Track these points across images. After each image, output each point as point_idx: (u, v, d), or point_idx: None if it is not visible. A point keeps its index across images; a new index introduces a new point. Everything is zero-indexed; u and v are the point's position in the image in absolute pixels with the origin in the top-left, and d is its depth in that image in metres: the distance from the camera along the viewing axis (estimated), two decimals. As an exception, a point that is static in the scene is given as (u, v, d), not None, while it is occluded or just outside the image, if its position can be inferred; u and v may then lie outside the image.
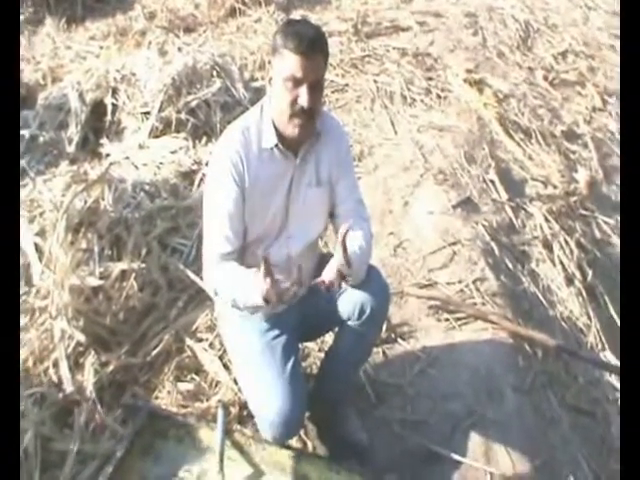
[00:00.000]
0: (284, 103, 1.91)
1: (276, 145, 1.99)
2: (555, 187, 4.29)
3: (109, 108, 3.95)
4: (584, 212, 4.29)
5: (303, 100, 1.88)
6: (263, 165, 2.01)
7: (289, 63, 1.87)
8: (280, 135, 1.98)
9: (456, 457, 2.44)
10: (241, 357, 2.18)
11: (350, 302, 2.13)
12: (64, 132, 3.85)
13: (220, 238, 2.02)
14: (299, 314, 2.21)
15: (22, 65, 4.80)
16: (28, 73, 4.74)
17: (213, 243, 2.04)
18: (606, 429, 3.01)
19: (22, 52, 5.03)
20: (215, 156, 2.06)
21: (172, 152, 3.58)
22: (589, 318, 3.51)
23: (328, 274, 1.95)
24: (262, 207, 2.04)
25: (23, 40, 5.42)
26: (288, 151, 2.02)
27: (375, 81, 4.84)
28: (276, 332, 2.16)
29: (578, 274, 3.71)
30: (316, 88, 1.91)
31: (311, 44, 1.86)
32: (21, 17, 5.75)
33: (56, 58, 4.92)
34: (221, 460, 2.15)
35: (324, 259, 2.17)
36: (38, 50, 5.28)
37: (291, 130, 1.95)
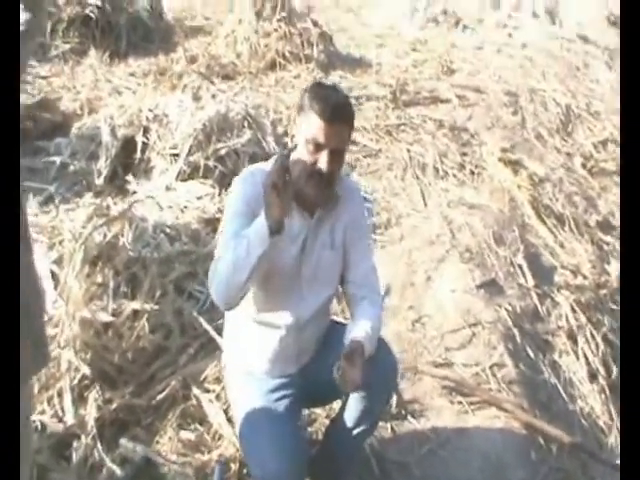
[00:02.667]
0: (304, 164, 2.01)
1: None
2: (585, 277, 4.37)
3: (139, 146, 4.12)
4: (613, 306, 4.36)
5: (323, 165, 1.98)
6: None
7: (313, 127, 1.98)
8: (297, 193, 2.03)
9: None
10: (242, 415, 2.22)
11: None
12: (94, 164, 4.02)
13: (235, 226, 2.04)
14: (304, 380, 2.26)
15: (62, 93, 5.05)
16: (67, 102, 4.98)
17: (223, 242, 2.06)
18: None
19: (64, 81, 5.30)
20: (234, 189, 2.14)
21: (197, 197, 3.72)
22: (611, 417, 3.55)
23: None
24: (272, 265, 2.06)
25: (66, 69, 5.70)
26: (304, 210, 2.11)
27: (409, 150, 5.00)
28: (279, 394, 2.22)
29: (602, 370, 3.76)
30: (337, 155, 2.01)
31: (337, 112, 1.98)
32: (67, 46, 6.05)
33: (95, 90, 5.16)
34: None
35: (334, 326, 2.27)
36: (79, 80, 5.54)
37: (308, 191, 2.03)
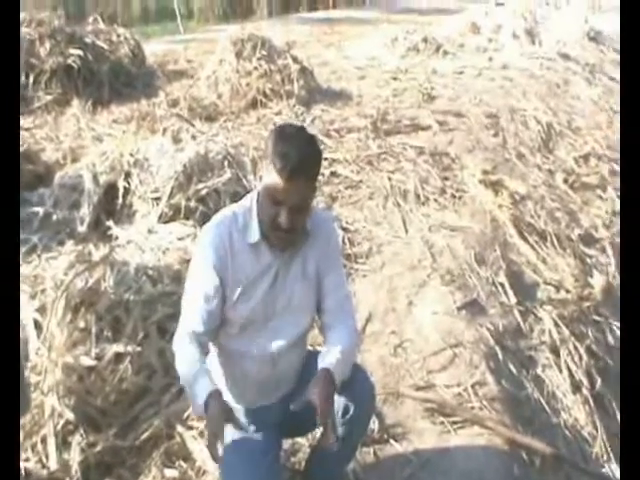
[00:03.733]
0: (266, 214, 2.05)
1: (260, 241, 2.11)
2: (568, 291, 4.42)
3: (121, 191, 4.20)
4: (597, 318, 4.39)
5: (282, 221, 2.00)
6: (248, 256, 2.13)
7: (272, 182, 1.99)
8: (265, 236, 2.10)
9: None
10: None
11: (334, 402, 2.17)
12: (77, 212, 4.10)
13: (195, 317, 2.12)
14: (282, 411, 2.29)
15: (45, 144, 5.16)
16: (50, 152, 5.09)
17: (187, 320, 2.14)
18: None
19: (47, 131, 5.41)
20: (201, 240, 2.19)
21: (179, 238, 3.79)
22: (595, 428, 3.57)
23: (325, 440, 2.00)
24: (246, 297, 2.14)
25: (49, 119, 5.81)
26: (274, 247, 2.14)
27: (390, 178, 5.09)
28: (257, 426, 2.29)
29: (586, 381, 3.79)
30: (297, 210, 2.02)
31: (295, 170, 1.95)
32: (49, 97, 6.17)
33: (78, 139, 5.28)
34: None
35: (313, 356, 2.29)
36: (62, 130, 5.66)
37: (273, 239, 2.09)
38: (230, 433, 2.26)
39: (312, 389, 2.02)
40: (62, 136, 5.47)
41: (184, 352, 2.12)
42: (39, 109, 6.05)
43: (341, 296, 2.29)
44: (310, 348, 2.50)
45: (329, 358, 2.13)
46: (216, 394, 1.97)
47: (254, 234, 2.11)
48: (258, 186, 2.10)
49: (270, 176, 1.99)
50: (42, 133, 5.52)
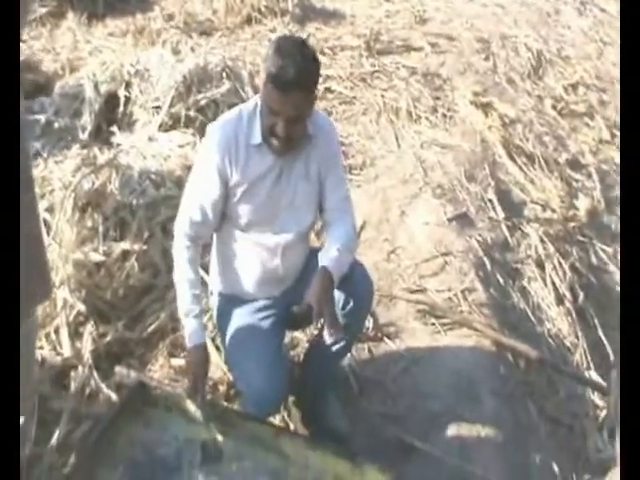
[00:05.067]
0: (265, 122, 2.09)
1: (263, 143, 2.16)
2: (554, 211, 4.50)
3: (122, 100, 4.19)
4: (582, 238, 4.49)
5: (279, 132, 2.04)
6: (251, 157, 2.17)
7: (269, 94, 2.01)
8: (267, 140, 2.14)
9: (432, 451, 2.62)
10: (228, 335, 2.36)
11: (333, 298, 2.25)
12: (78, 120, 4.09)
13: (188, 221, 2.23)
14: (288, 303, 2.37)
15: (42, 55, 5.09)
16: (47, 63, 5.02)
17: (182, 222, 2.26)
18: (583, 443, 3.19)
19: (43, 43, 5.32)
20: (206, 139, 2.23)
21: (179, 146, 3.81)
22: (577, 337, 3.69)
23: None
24: (250, 196, 2.21)
25: (45, 32, 5.71)
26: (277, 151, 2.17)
27: (382, 96, 5.08)
28: (263, 314, 2.37)
29: (569, 295, 3.90)
30: (294, 121, 2.04)
31: (291, 83, 1.95)
32: (44, 10, 6.03)
33: (75, 51, 5.19)
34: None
35: (313, 253, 2.36)
36: (59, 42, 5.55)
37: (273, 144, 2.12)
38: (236, 320, 2.36)
39: (310, 289, 2.11)
40: (59, 48, 5.37)
41: (179, 265, 2.26)
42: (34, 21, 5.91)
43: (341, 196, 2.35)
44: (313, 246, 2.58)
45: (327, 256, 2.20)
46: (202, 347, 2.20)
47: (257, 136, 2.15)
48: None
49: (267, 87, 2.00)
50: (39, 45, 5.43)
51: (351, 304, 2.33)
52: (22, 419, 2.05)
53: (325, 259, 2.19)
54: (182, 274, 2.25)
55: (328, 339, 2.08)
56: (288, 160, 2.21)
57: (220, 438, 2.34)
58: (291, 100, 1.99)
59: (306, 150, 2.23)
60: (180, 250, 2.27)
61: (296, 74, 1.96)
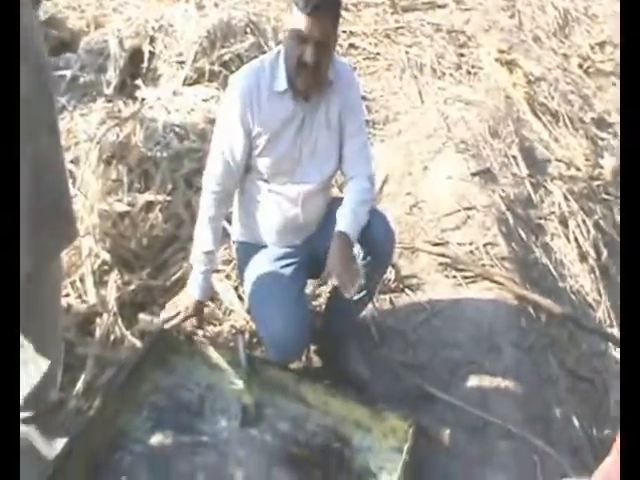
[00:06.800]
0: (291, 57, 2.07)
1: (287, 89, 2.15)
2: (578, 169, 4.41)
3: (146, 55, 4.15)
4: (606, 196, 4.40)
5: (307, 57, 2.02)
6: (274, 106, 2.16)
7: (296, 21, 2.01)
8: (291, 83, 2.14)
9: (452, 400, 2.60)
10: (250, 283, 2.36)
11: (354, 260, 2.26)
12: (103, 75, 4.06)
13: (212, 175, 2.25)
14: (310, 250, 2.39)
15: (67, 12, 5.04)
16: (73, 20, 4.97)
17: (207, 177, 2.28)
18: (604, 397, 3.15)
19: (68, 1, 5.27)
20: (229, 90, 2.22)
21: (203, 100, 3.77)
22: (599, 294, 3.64)
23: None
24: (273, 145, 2.20)
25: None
26: (299, 96, 2.17)
27: (407, 52, 4.98)
28: (286, 262, 2.35)
29: (593, 252, 3.84)
30: (322, 46, 2.03)
31: (317, 5, 1.97)
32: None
33: (100, 8, 5.13)
34: (248, 380, 2.36)
35: (335, 202, 2.35)
36: (83, 0, 5.50)
37: (298, 82, 2.11)
38: (258, 268, 2.34)
39: (329, 258, 2.12)
40: (84, 5, 5.30)
41: (200, 220, 2.30)
42: (59, -22, 5.86)
43: (359, 143, 2.33)
44: (335, 196, 2.54)
45: (344, 218, 2.20)
46: (200, 307, 2.35)
47: (281, 82, 2.14)
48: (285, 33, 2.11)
49: (294, 17, 2.01)
50: (64, 2, 5.36)
51: (372, 255, 2.31)
52: (48, 364, 2.06)
53: (342, 222, 2.19)
54: (200, 230, 2.30)
55: (347, 295, 2.10)
56: (310, 108, 2.20)
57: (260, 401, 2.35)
58: (318, 23, 1.99)
59: (327, 97, 2.22)
60: (203, 207, 2.29)
61: None
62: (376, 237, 2.30)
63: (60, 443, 2.11)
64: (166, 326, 2.35)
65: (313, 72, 2.07)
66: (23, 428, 2.07)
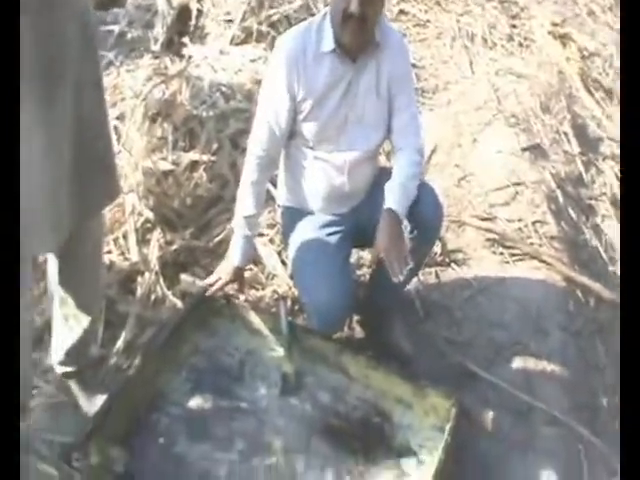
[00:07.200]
0: (337, 12, 2.00)
1: (334, 49, 2.07)
2: (633, 150, 4.25)
3: (194, 13, 4.06)
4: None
5: (353, 7, 1.95)
6: (320, 68, 2.09)
7: None
8: (338, 41, 2.06)
9: (496, 381, 2.53)
10: (294, 249, 2.31)
11: (403, 238, 2.19)
12: (150, 32, 3.98)
13: (257, 140, 2.19)
14: (356, 219, 2.33)
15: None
16: (120, -22, 4.91)
17: (252, 141, 2.22)
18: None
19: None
20: (275, 52, 2.16)
21: (251, 60, 3.68)
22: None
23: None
24: (318, 110, 2.13)
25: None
26: (345, 56, 2.09)
27: (458, 21, 4.82)
28: (331, 230, 2.29)
29: (645, 236, 3.70)
30: None
31: None
32: None
33: (149, -36, 5.05)
34: (289, 347, 2.30)
35: (383, 172, 2.29)
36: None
37: (345, 37, 2.03)
38: (302, 235, 2.28)
39: (378, 236, 2.07)
40: (131, -38, 5.26)
41: (243, 183, 2.25)
42: None
43: (409, 114, 2.25)
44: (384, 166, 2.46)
45: (392, 195, 2.12)
46: (240, 272, 2.33)
47: (328, 42, 2.07)
48: None
49: None
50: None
51: (419, 229, 2.24)
52: (89, 320, 2.04)
53: (390, 198, 2.12)
54: (242, 193, 2.27)
55: (395, 279, 2.05)
56: (357, 70, 2.13)
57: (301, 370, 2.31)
58: None
59: (376, 60, 2.14)
60: (247, 171, 2.24)
61: None
62: (425, 212, 2.23)
63: (100, 400, 2.10)
64: (207, 293, 2.31)
65: (359, 24, 1.99)
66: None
